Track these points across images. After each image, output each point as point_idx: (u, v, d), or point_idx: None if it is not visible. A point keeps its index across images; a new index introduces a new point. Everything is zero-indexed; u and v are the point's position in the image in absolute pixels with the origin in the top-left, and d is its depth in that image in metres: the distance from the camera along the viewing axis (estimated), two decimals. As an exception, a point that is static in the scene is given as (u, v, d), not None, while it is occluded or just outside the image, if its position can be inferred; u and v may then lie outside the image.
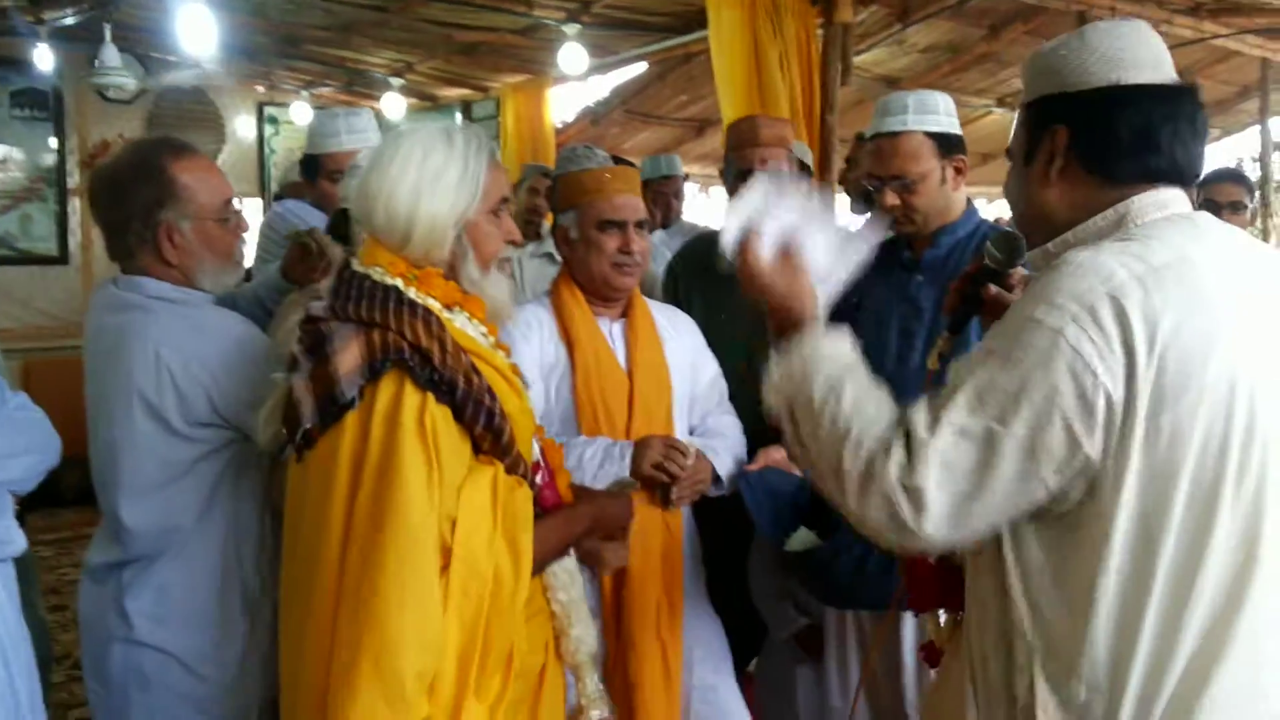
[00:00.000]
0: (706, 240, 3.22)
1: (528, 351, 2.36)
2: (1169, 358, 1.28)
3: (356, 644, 1.47)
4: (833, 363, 1.47)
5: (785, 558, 2.35)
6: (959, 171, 2.52)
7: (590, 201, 2.44)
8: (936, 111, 2.49)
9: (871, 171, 2.53)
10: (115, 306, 2.07)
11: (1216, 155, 10.81)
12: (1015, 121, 1.57)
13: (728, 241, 1.64)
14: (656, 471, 2.32)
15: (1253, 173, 9.81)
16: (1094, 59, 1.43)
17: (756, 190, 1.65)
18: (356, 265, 1.71)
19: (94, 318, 2.12)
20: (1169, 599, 1.30)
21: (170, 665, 2.00)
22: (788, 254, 1.61)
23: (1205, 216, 1.45)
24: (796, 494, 2.40)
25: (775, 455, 2.48)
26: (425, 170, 1.68)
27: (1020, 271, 1.76)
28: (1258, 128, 8.22)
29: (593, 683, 1.88)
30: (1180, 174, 1.44)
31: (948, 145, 2.49)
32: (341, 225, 2.07)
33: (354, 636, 1.48)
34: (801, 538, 2.31)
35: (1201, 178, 4.90)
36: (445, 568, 1.54)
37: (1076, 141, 1.45)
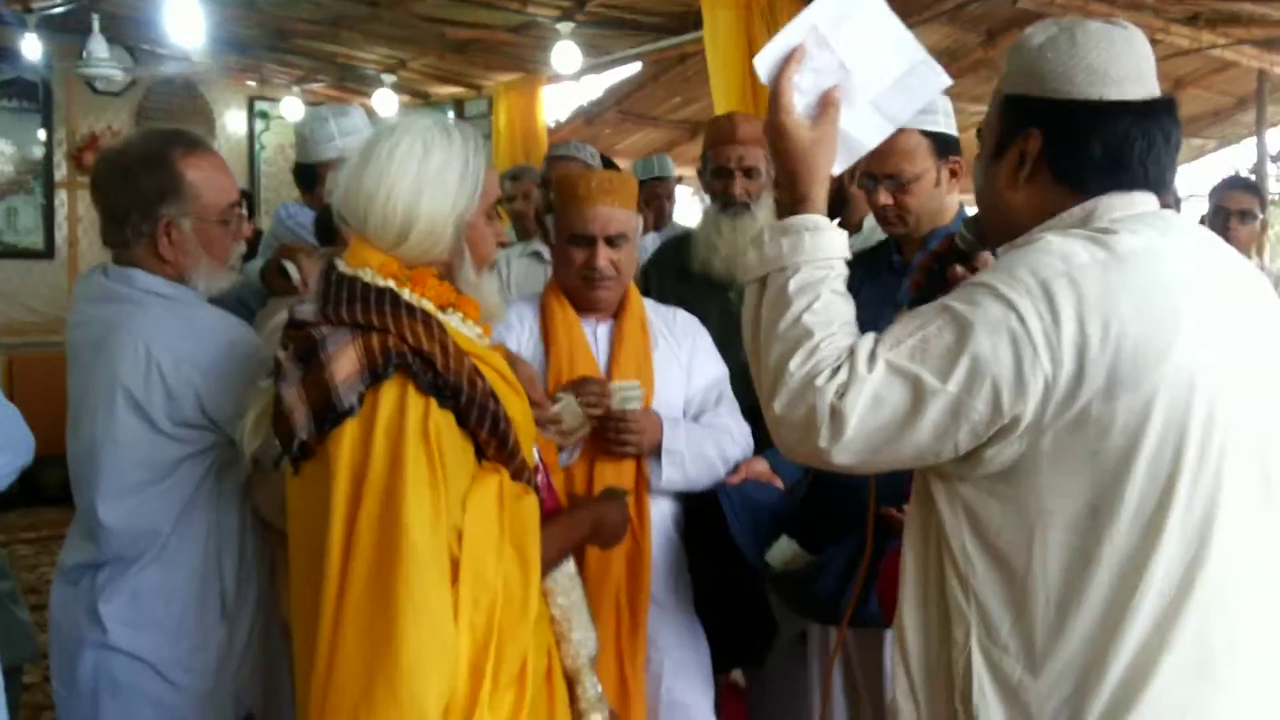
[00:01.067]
0: (680, 241, 3.18)
1: (509, 339, 2.32)
2: (1125, 345, 1.28)
3: (371, 663, 1.42)
4: (822, 260, 1.46)
5: (765, 571, 2.30)
6: (954, 174, 2.45)
7: (566, 209, 2.38)
8: (935, 111, 2.42)
9: (866, 169, 2.47)
10: (104, 297, 2.01)
11: (1213, 166, 10.81)
12: (990, 107, 1.54)
13: (762, 72, 1.53)
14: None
15: (1247, 184, 9.78)
16: (1080, 67, 1.40)
17: (813, 14, 1.53)
18: (343, 267, 1.64)
19: (80, 307, 2.07)
20: (1116, 584, 1.31)
21: (144, 672, 1.95)
22: (824, 109, 1.52)
23: (1176, 215, 1.44)
24: (776, 506, 2.34)
25: (757, 468, 2.42)
26: (427, 167, 1.62)
27: (987, 255, 1.72)
28: (1254, 140, 8.20)
29: (592, 687, 1.85)
30: (1150, 184, 1.43)
31: (945, 146, 2.42)
32: (329, 225, 2.03)
33: (367, 656, 1.43)
34: (782, 547, 2.26)
35: (1216, 184, 4.91)
36: (454, 580, 1.50)
37: (1049, 149, 1.43)
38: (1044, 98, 1.43)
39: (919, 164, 2.40)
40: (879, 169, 2.41)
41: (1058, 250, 1.33)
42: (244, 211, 2.13)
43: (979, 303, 1.32)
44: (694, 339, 2.59)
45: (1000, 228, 1.51)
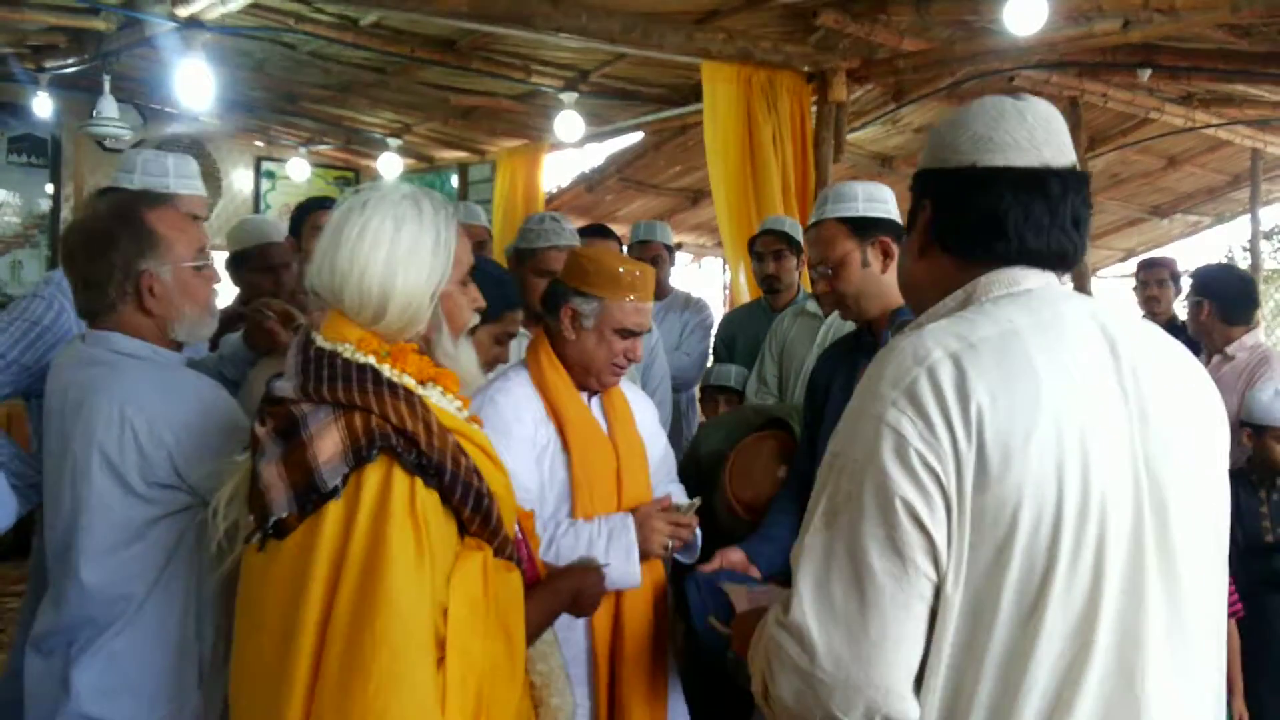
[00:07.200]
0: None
1: (520, 432, 2.32)
2: (986, 434, 1.23)
3: None
4: None
5: (727, 663, 2.27)
6: (886, 254, 2.51)
7: (618, 303, 2.37)
8: (854, 199, 2.55)
9: (808, 262, 2.61)
10: (81, 362, 2.02)
11: (1207, 242, 10.90)
12: None
13: None
14: (669, 543, 2.37)
15: (1243, 261, 9.88)
16: (965, 137, 1.40)
17: None
18: (321, 341, 1.63)
19: (59, 374, 2.07)
20: (999, 687, 1.24)
21: (117, 741, 1.91)
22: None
23: (1058, 290, 1.39)
24: None
25: (733, 557, 2.41)
26: (398, 243, 1.62)
27: None
28: (1248, 216, 8.28)
29: None
30: (1035, 257, 1.38)
31: (863, 228, 2.52)
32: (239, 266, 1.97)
33: None
34: None
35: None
36: (440, 660, 1.48)
37: (936, 219, 1.44)
38: (933, 168, 1.45)
39: (837, 249, 2.53)
40: (812, 260, 2.58)
41: (909, 350, 1.30)
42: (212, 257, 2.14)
43: (855, 435, 1.29)
44: (651, 410, 2.68)
45: (911, 301, 1.52)
